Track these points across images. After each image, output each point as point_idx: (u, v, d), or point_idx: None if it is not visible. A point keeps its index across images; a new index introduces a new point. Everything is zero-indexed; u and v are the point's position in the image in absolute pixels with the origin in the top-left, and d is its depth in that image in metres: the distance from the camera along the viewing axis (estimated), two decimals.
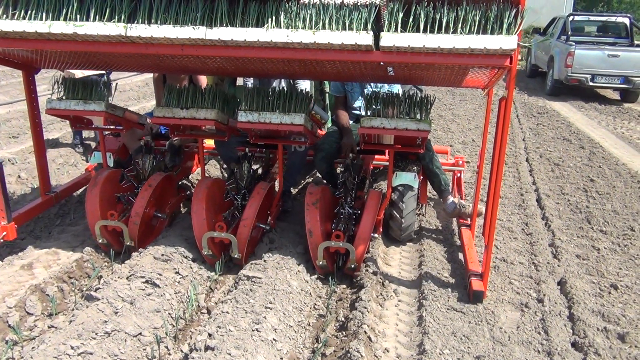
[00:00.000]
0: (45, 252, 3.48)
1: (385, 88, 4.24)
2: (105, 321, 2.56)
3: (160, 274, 3.04)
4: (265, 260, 3.25)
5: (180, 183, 4.55)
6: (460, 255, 3.73)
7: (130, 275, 2.99)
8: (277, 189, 3.98)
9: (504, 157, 2.95)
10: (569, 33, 11.26)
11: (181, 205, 4.37)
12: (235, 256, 3.40)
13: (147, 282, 2.95)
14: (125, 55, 3.14)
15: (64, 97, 3.59)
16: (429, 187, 4.33)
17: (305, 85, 4.32)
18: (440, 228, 4.31)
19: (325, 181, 4.40)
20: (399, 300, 3.17)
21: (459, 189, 4.80)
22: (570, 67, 10.51)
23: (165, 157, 4.32)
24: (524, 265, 3.66)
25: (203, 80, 4.51)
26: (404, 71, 3.20)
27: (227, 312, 2.68)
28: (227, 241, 3.37)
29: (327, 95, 5.18)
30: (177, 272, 3.16)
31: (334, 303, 3.15)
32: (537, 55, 13.14)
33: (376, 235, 3.76)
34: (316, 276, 3.34)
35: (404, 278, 3.47)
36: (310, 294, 3.15)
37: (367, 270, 3.29)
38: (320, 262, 3.29)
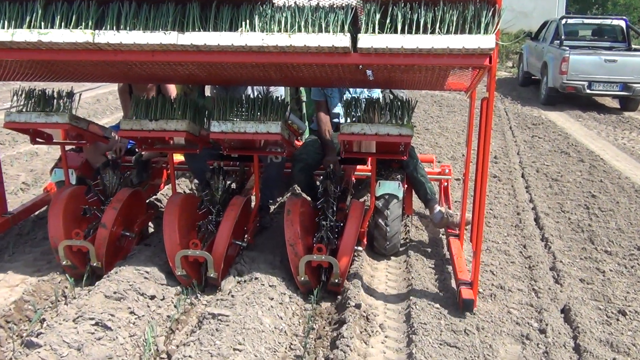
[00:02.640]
0: None
1: (365, 94, 4.38)
2: None
3: (112, 315, 2.96)
4: (232, 295, 3.20)
5: (148, 201, 4.62)
6: (450, 269, 3.80)
7: (78, 317, 2.91)
8: (253, 204, 4.07)
9: (488, 159, 3.11)
10: (562, 37, 11.55)
11: (149, 224, 4.44)
12: (211, 275, 3.46)
13: (97, 324, 2.87)
14: (91, 64, 3.26)
15: (23, 110, 3.65)
16: (415, 197, 4.46)
17: (280, 92, 4.42)
18: (427, 241, 4.39)
19: (304, 194, 4.49)
20: (386, 336, 3.13)
21: (446, 199, 4.92)
22: (566, 74, 10.75)
23: (132, 173, 4.41)
24: (524, 292, 3.67)
25: (172, 89, 4.60)
26: (383, 74, 3.33)
27: (189, 357, 2.62)
28: (202, 259, 3.47)
29: (303, 104, 5.29)
30: (132, 312, 3.08)
31: (313, 342, 3.10)
32: (529, 62, 13.43)
33: (360, 248, 3.87)
34: (292, 312, 3.30)
35: (390, 309, 3.44)
36: (285, 332, 3.10)
37: (349, 304, 3.25)
38: (302, 278, 3.39)
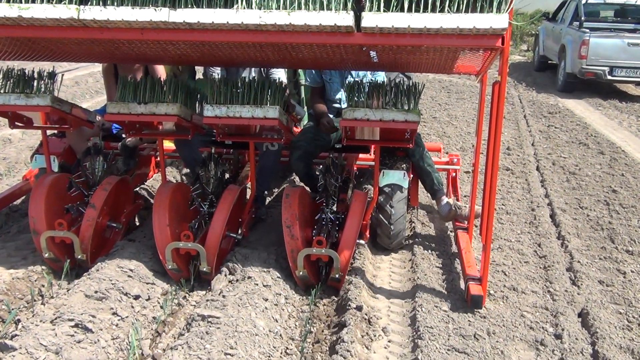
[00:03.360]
0: None
1: (369, 77, 4.42)
2: None
3: (93, 316, 2.96)
4: (224, 295, 3.20)
5: (135, 190, 4.67)
6: (459, 267, 3.82)
7: (56, 319, 2.91)
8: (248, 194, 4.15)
9: (499, 146, 3.18)
10: (582, 19, 11.51)
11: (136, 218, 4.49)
12: (204, 269, 3.53)
13: (76, 326, 2.87)
14: (76, 42, 3.25)
15: (1, 91, 3.65)
16: (421, 187, 4.53)
17: (280, 74, 4.46)
18: (434, 236, 4.43)
19: (302, 184, 4.55)
20: (389, 341, 3.15)
21: (455, 190, 4.98)
22: (585, 59, 10.74)
23: (118, 161, 4.47)
24: (538, 294, 3.68)
25: (161, 71, 4.62)
26: (388, 56, 3.35)
27: None
28: (194, 252, 3.53)
29: (302, 88, 5.33)
30: (114, 313, 3.08)
31: (310, 346, 3.10)
32: (545, 46, 13.41)
33: (362, 241, 3.93)
34: (288, 314, 3.31)
35: (394, 312, 3.45)
36: (280, 335, 3.11)
37: (349, 305, 3.26)
38: (300, 272, 3.45)
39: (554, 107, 9.99)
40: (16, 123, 3.91)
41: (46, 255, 3.60)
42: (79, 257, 3.62)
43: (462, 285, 3.64)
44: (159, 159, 4.41)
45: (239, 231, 3.92)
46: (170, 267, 3.50)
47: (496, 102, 3.16)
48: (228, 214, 3.62)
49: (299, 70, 5.25)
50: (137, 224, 4.48)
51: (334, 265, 3.48)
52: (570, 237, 4.55)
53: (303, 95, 5.33)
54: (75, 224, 3.74)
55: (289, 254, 3.49)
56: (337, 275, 3.50)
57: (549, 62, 13.39)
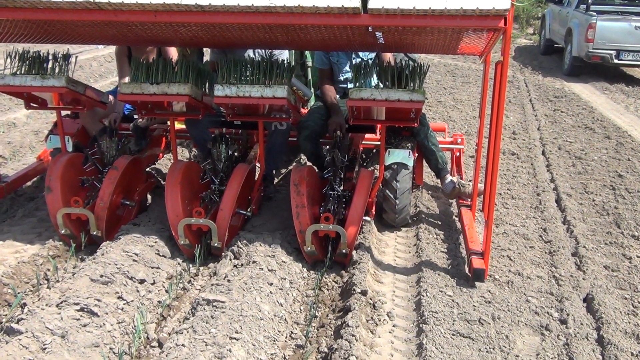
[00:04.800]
0: None
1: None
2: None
3: (99, 300, 2.99)
4: (229, 280, 3.22)
5: (146, 170, 4.80)
6: (464, 253, 3.89)
7: (62, 302, 2.93)
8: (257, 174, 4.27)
9: (501, 125, 3.30)
10: (589, 1, 11.42)
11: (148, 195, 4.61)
12: (215, 244, 3.69)
13: (82, 310, 2.90)
14: (90, 25, 3.33)
15: (17, 73, 3.74)
16: (425, 167, 4.68)
17: (284, 55, 4.52)
18: (438, 214, 4.56)
19: (310, 163, 4.66)
20: (394, 325, 3.16)
21: (459, 170, 5.12)
22: (592, 42, 10.66)
23: (130, 141, 4.58)
24: (543, 279, 3.68)
25: (173, 52, 4.67)
26: (394, 37, 3.43)
27: (182, 345, 2.64)
28: (205, 228, 3.69)
29: (309, 69, 5.38)
30: (120, 297, 3.11)
31: (315, 330, 3.12)
32: (552, 28, 13.31)
33: (368, 218, 4.06)
34: (293, 299, 3.31)
35: (399, 296, 3.46)
36: (285, 320, 3.12)
37: (354, 290, 3.26)
38: (309, 248, 3.58)
39: (560, 91, 9.93)
40: (31, 104, 4.00)
41: (62, 231, 3.74)
42: (95, 233, 3.75)
43: (468, 272, 3.64)
44: (169, 139, 4.51)
45: (249, 209, 4.05)
46: (182, 242, 3.64)
47: (499, 82, 3.24)
48: (238, 191, 3.75)
49: (306, 52, 5.30)
50: (149, 202, 4.58)
51: (341, 240, 3.58)
52: (575, 222, 4.54)
53: (310, 77, 5.38)
54: (91, 200, 3.87)
55: (298, 236, 3.60)
56: (344, 251, 3.62)
57: (555, 45, 13.30)
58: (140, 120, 4.52)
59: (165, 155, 5.46)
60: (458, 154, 5.29)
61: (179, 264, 3.67)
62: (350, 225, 3.64)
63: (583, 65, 11.24)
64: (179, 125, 4.82)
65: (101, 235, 3.78)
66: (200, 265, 3.72)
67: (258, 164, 4.38)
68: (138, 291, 3.25)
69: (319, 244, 3.70)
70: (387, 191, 4.14)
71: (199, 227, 3.71)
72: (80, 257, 3.73)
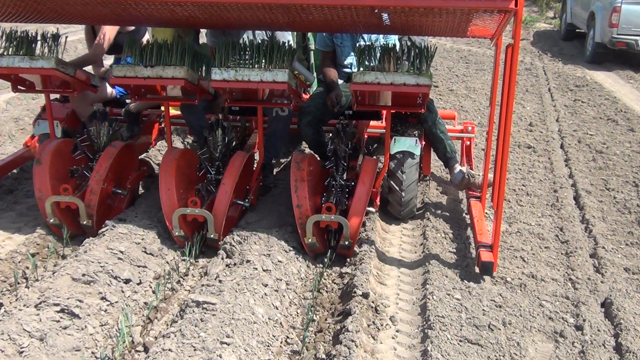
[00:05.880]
0: None
1: (381, 40, 4.45)
2: None
3: (80, 301, 2.99)
4: (220, 280, 3.21)
5: (139, 158, 4.84)
6: (474, 254, 3.87)
7: (41, 303, 2.93)
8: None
9: (511, 111, 3.33)
10: None
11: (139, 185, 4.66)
12: (212, 236, 3.71)
13: (62, 311, 2.90)
14: (81, 3, 3.34)
15: (4, 53, 3.77)
16: (433, 155, 4.69)
17: (287, 38, 4.51)
18: (446, 205, 4.59)
19: (312, 151, 4.71)
20: (397, 331, 3.15)
21: (469, 159, 5.13)
22: (616, 27, 10.60)
23: (121, 127, 4.65)
24: (559, 282, 3.67)
25: (108, 30, 4.66)
26: (400, 18, 3.43)
27: (170, 350, 2.64)
28: (201, 219, 3.70)
29: (311, 53, 5.41)
30: (103, 298, 3.11)
31: (312, 335, 3.11)
32: (573, 13, 13.25)
33: (372, 209, 4.11)
34: (289, 301, 3.31)
35: (403, 299, 3.45)
36: (281, 323, 3.12)
37: (355, 292, 3.26)
38: (309, 240, 3.62)
39: (581, 80, 9.89)
40: (19, 87, 4.02)
41: (51, 220, 3.78)
42: (85, 222, 3.78)
43: (478, 271, 3.64)
44: (163, 125, 4.56)
45: (247, 199, 4.06)
46: (177, 233, 3.68)
47: (509, 65, 3.25)
48: (236, 180, 3.76)
49: (309, 34, 5.31)
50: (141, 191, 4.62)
51: (343, 232, 3.60)
52: (595, 221, 4.52)
53: (312, 60, 5.40)
54: (81, 188, 3.90)
55: (298, 227, 3.62)
56: (346, 242, 3.65)
57: (577, 30, 13.25)
58: (133, 104, 4.57)
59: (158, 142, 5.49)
60: (468, 143, 5.30)
61: (167, 262, 3.66)
62: (353, 215, 3.67)
63: (606, 52, 11.18)
64: (173, 111, 4.83)
65: (91, 225, 3.80)
66: (193, 259, 3.73)
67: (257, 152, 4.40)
68: (123, 291, 3.24)
69: (321, 235, 3.72)
70: (393, 182, 4.16)
71: (194, 218, 3.72)
72: (61, 254, 3.74)
